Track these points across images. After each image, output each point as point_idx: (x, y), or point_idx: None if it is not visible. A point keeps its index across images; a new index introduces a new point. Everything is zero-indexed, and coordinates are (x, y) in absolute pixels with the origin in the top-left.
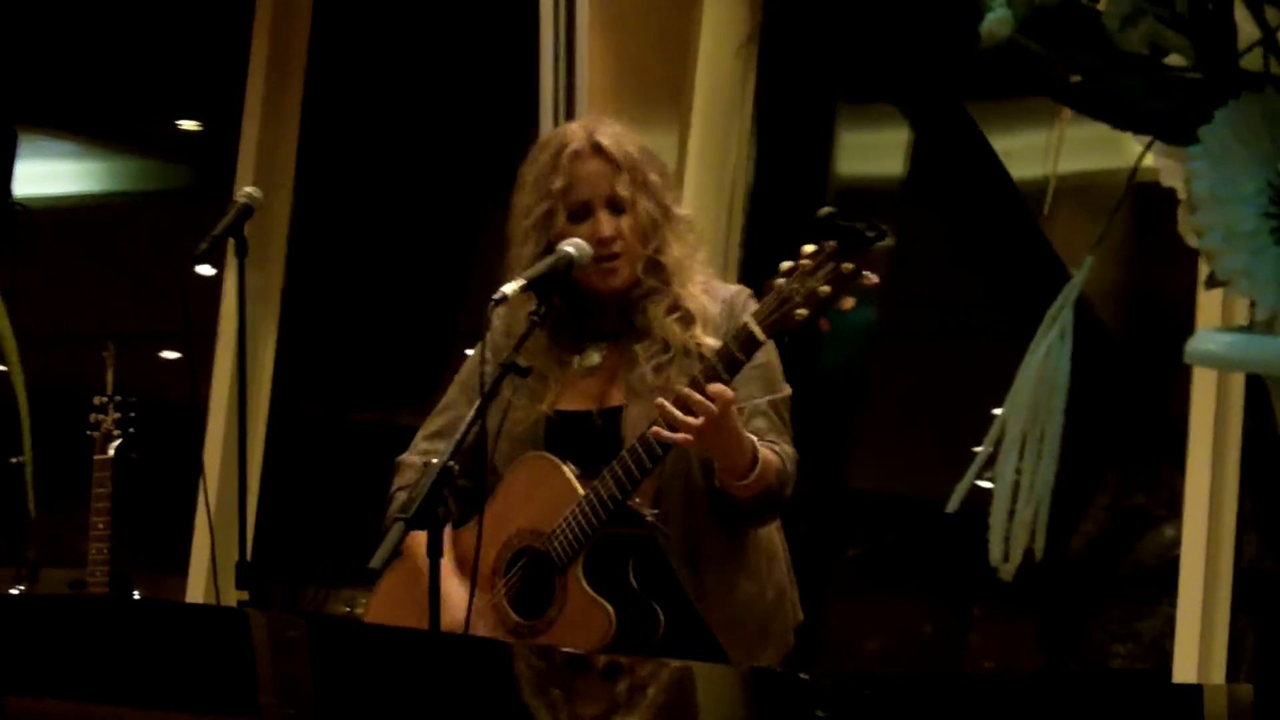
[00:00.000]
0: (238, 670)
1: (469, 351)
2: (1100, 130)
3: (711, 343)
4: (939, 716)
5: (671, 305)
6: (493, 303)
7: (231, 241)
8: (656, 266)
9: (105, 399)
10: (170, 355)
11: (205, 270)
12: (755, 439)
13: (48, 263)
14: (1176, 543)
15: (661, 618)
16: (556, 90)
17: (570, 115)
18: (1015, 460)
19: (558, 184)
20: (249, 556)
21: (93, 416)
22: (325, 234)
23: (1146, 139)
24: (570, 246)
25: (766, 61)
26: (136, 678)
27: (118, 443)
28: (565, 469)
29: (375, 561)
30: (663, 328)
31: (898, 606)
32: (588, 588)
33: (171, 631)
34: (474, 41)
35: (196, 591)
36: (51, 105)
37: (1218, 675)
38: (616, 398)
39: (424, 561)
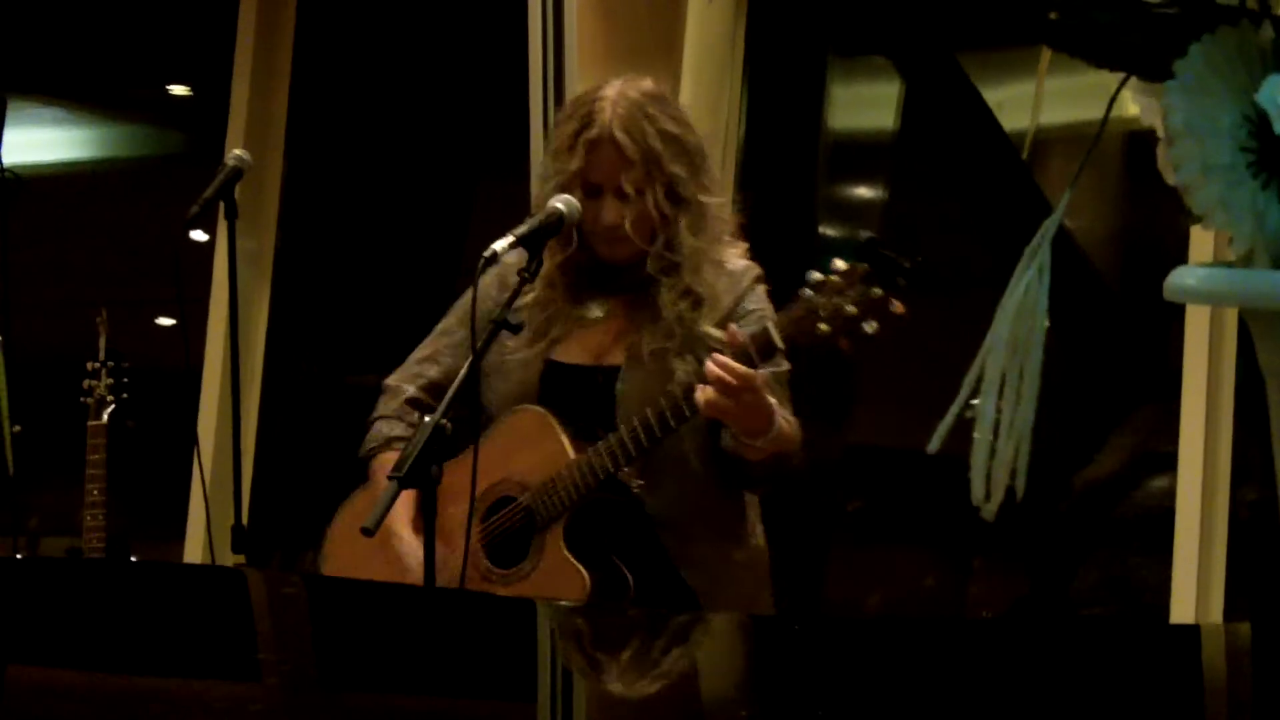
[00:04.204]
0: (236, 630)
1: None
2: (1091, 80)
3: (713, 332)
4: (931, 658)
5: (684, 290)
6: (483, 261)
7: (222, 205)
8: (669, 253)
9: (98, 365)
10: (165, 321)
11: (199, 235)
12: (775, 403)
13: (39, 230)
14: (1169, 491)
15: (631, 585)
16: (545, 50)
17: (560, 75)
18: (996, 399)
19: (573, 165)
20: (245, 520)
21: (86, 383)
22: (318, 197)
23: (1136, 92)
24: (560, 203)
25: (756, 16)
26: (135, 641)
27: (111, 409)
28: (560, 429)
29: (369, 522)
30: (672, 313)
31: (899, 560)
32: (566, 550)
33: (169, 592)
34: (463, 2)
35: (193, 557)
36: (40, 72)
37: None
38: (616, 357)
39: (374, 488)
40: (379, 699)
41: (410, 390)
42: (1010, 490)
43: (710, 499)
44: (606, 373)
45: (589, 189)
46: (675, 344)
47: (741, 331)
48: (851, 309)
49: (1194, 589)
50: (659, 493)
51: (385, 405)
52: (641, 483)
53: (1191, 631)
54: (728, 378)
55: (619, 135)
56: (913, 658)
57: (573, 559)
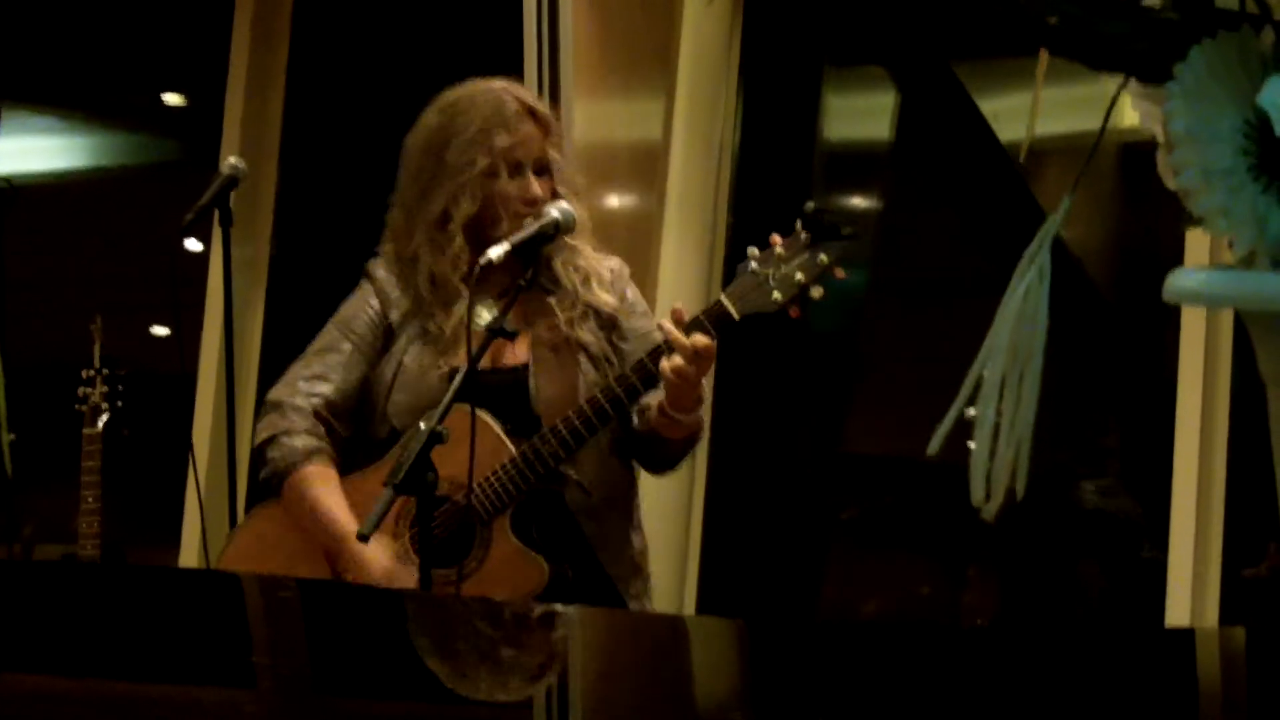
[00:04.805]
0: (231, 634)
1: None
2: (1087, 90)
3: (608, 299)
4: (925, 665)
5: (576, 266)
6: (478, 267)
7: (216, 213)
8: (565, 235)
9: (93, 373)
10: (160, 329)
11: (193, 244)
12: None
13: (33, 239)
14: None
15: (570, 572)
16: (541, 59)
17: (555, 85)
18: (996, 402)
19: (502, 142)
20: None
21: (81, 390)
22: (313, 204)
23: (1136, 97)
24: (556, 211)
25: (752, 25)
26: (130, 646)
27: (106, 416)
28: (494, 425)
29: (365, 528)
30: (571, 283)
31: (894, 568)
32: (516, 540)
33: (164, 597)
34: (458, 8)
35: (188, 564)
36: (34, 80)
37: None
38: (517, 356)
39: (301, 506)
40: (375, 704)
41: (307, 407)
42: (1010, 493)
43: (620, 482)
44: (511, 371)
45: (513, 168)
46: (578, 313)
47: (680, 308)
48: (801, 276)
49: (1189, 594)
50: (585, 479)
51: (281, 421)
52: (574, 469)
53: (1186, 636)
54: (690, 345)
55: (540, 109)
56: (906, 664)
57: (526, 549)
